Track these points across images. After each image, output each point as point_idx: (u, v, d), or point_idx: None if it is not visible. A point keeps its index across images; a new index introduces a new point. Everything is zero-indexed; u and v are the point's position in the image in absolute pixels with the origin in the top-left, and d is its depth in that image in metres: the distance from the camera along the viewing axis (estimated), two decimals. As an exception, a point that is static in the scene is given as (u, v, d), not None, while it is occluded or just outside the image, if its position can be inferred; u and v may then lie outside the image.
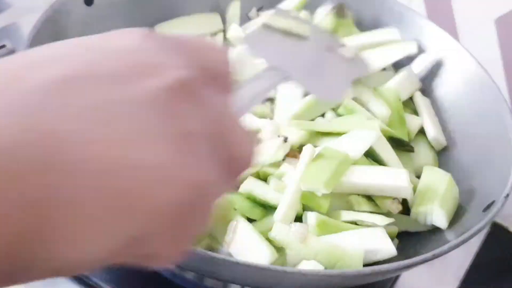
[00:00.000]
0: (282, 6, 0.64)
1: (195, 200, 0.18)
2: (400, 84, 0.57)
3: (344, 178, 0.47)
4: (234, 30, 0.60)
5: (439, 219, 0.48)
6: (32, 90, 0.16)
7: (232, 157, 0.20)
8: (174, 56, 0.19)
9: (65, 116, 0.16)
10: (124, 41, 0.19)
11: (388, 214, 0.48)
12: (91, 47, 0.19)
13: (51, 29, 0.51)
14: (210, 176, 0.18)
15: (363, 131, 0.50)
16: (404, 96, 0.58)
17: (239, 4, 0.63)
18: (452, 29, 0.69)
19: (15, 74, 0.17)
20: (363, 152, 0.49)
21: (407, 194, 0.48)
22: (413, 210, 0.49)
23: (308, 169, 0.46)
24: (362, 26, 0.64)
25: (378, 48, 0.59)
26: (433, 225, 0.49)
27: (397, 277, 0.54)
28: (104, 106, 0.16)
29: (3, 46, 0.66)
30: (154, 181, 0.17)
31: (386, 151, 0.51)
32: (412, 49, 0.59)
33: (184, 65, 0.19)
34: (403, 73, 0.59)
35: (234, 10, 0.63)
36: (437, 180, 0.50)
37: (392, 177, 0.48)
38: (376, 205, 0.49)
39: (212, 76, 0.20)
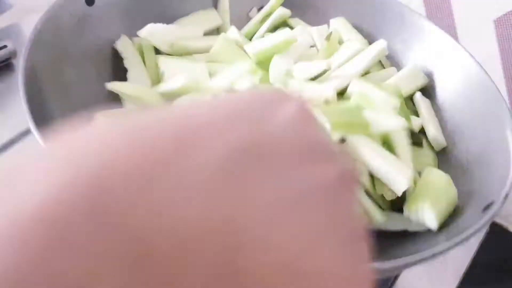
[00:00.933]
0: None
1: None
2: (402, 80, 0.58)
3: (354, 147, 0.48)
4: (232, 33, 0.61)
5: (429, 219, 0.48)
6: (203, 169, 0.14)
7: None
8: (330, 144, 0.18)
9: (245, 208, 0.14)
10: (282, 112, 0.17)
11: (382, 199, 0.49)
12: (248, 117, 0.17)
13: (52, 30, 0.51)
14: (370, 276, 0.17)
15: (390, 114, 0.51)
16: (407, 91, 0.58)
17: (228, 0, 0.64)
18: (451, 29, 0.70)
19: (179, 145, 0.14)
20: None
21: (400, 190, 0.49)
22: (406, 208, 0.49)
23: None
24: (362, 26, 0.64)
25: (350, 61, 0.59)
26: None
27: (396, 276, 0.54)
28: (284, 196, 0.15)
29: (4, 46, 0.66)
30: None
31: (402, 143, 0.52)
32: (381, 44, 0.59)
33: (340, 157, 0.18)
34: (404, 69, 0.59)
35: (223, 7, 0.64)
36: (434, 181, 0.50)
37: (397, 169, 0.48)
38: (373, 184, 0.49)
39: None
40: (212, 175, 0.14)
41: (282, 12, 0.64)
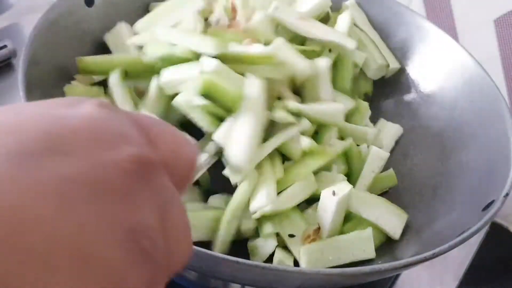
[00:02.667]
0: None
1: None
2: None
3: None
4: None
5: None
6: None
7: (169, 254, 0.17)
8: (134, 130, 0.18)
9: (14, 193, 0.14)
10: (78, 109, 0.17)
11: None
12: (43, 114, 0.17)
13: (52, 30, 0.51)
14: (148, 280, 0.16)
15: None
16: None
17: None
18: (451, 29, 0.70)
19: None
20: None
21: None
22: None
23: None
24: (362, 26, 0.64)
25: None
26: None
27: (397, 276, 0.54)
28: (54, 184, 0.15)
29: (4, 46, 0.66)
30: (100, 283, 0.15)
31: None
32: None
33: (144, 142, 0.18)
34: None
35: None
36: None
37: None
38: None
39: (172, 167, 0.19)
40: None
41: None
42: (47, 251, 0.14)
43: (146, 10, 0.60)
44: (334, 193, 0.46)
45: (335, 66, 0.56)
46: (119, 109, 0.19)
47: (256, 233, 0.48)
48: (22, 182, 0.14)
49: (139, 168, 0.16)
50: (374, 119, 0.61)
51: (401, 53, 0.63)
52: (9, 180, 0.14)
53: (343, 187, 0.47)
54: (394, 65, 0.62)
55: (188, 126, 0.48)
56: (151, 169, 0.17)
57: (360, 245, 0.46)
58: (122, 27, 0.57)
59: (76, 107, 0.18)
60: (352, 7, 0.63)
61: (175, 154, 0.19)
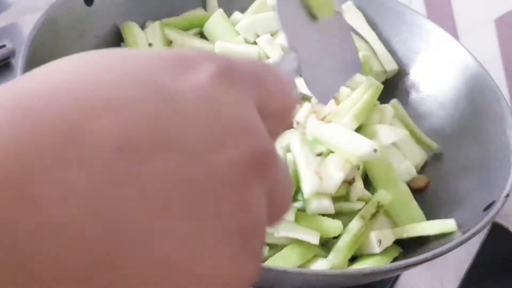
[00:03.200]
0: None
1: None
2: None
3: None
4: (237, 16, 0.62)
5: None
6: (87, 158, 0.13)
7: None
8: (255, 115, 0.16)
9: (127, 200, 0.13)
10: (192, 78, 0.15)
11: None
12: (151, 85, 0.14)
13: (51, 29, 0.51)
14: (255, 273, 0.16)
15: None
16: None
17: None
18: (452, 29, 0.69)
19: (66, 124, 0.13)
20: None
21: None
22: None
23: None
24: (362, 26, 0.64)
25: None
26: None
27: (397, 277, 0.54)
28: (172, 186, 0.13)
29: (3, 46, 0.66)
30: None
31: None
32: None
33: (259, 127, 0.16)
34: None
35: (212, 2, 0.63)
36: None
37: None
38: None
39: (273, 114, 0.17)
40: (104, 166, 0.13)
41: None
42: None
43: (146, 10, 0.60)
44: None
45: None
46: (239, 75, 0.16)
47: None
48: (129, 188, 0.13)
49: (257, 165, 0.15)
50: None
51: (401, 52, 0.63)
52: (110, 187, 0.13)
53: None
54: (391, 67, 0.62)
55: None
56: (269, 162, 0.16)
57: None
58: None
59: (187, 73, 0.15)
60: (349, 9, 0.63)
61: (284, 105, 0.18)
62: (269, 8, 0.61)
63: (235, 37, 0.58)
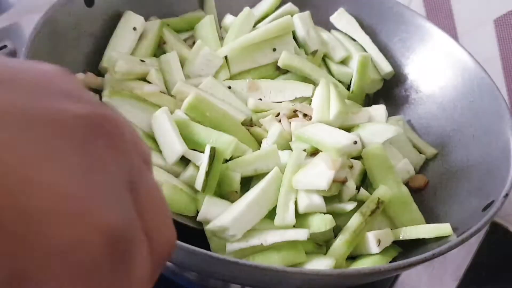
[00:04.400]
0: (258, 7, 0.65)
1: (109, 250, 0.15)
2: None
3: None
4: (228, 19, 0.64)
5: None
6: None
7: (144, 211, 0.17)
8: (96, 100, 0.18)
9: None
10: (45, 68, 0.18)
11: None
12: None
13: (51, 30, 0.51)
14: (130, 222, 0.16)
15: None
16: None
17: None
18: (451, 29, 0.70)
19: None
20: None
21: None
22: None
23: None
24: (362, 26, 0.64)
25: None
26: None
27: (396, 277, 0.54)
28: (22, 119, 0.15)
29: (4, 46, 0.66)
30: (61, 211, 0.14)
31: None
32: None
33: (111, 111, 0.18)
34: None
35: (209, 3, 0.65)
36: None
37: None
38: None
39: (133, 144, 0.18)
40: None
41: (290, 8, 0.64)
42: None
43: (146, 11, 0.60)
44: None
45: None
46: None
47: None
48: None
49: (102, 124, 0.17)
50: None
51: (401, 53, 0.63)
52: None
53: None
54: (387, 70, 0.62)
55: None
56: (117, 130, 0.17)
57: None
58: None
59: (44, 67, 0.18)
60: (342, 15, 0.64)
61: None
62: (254, 19, 0.61)
63: (216, 41, 0.60)
